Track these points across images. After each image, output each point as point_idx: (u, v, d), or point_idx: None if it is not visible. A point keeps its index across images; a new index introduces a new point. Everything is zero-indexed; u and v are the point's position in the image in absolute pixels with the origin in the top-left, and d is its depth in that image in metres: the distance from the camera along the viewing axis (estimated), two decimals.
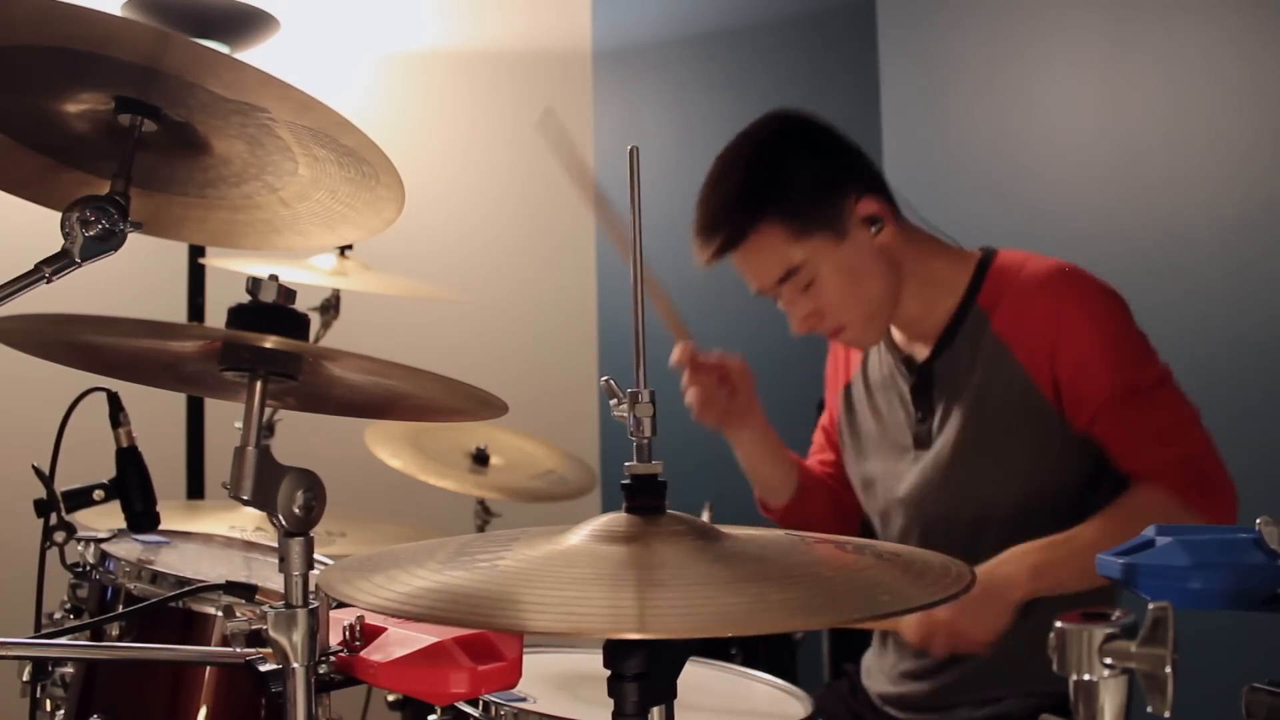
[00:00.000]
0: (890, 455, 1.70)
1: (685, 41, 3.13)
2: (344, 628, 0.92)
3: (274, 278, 0.91)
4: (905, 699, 1.66)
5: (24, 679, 1.35)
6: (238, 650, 0.96)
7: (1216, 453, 1.50)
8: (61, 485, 1.33)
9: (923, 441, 1.64)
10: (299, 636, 0.87)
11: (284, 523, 0.88)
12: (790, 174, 1.58)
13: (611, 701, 0.78)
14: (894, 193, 1.64)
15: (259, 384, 0.90)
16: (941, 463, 1.60)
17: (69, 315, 0.85)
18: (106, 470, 1.33)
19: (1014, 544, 1.49)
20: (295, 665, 0.87)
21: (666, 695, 0.80)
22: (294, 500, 0.88)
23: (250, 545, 1.66)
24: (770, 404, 1.79)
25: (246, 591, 1.25)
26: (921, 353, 1.65)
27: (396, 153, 0.98)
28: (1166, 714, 0.60)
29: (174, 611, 1.31)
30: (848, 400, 1.80)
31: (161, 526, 1.36)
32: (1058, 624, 0.64)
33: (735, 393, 1.72)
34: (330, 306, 2.11)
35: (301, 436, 1.58)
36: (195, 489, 2.55)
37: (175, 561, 1.44)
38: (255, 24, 2.37)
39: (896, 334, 1.71)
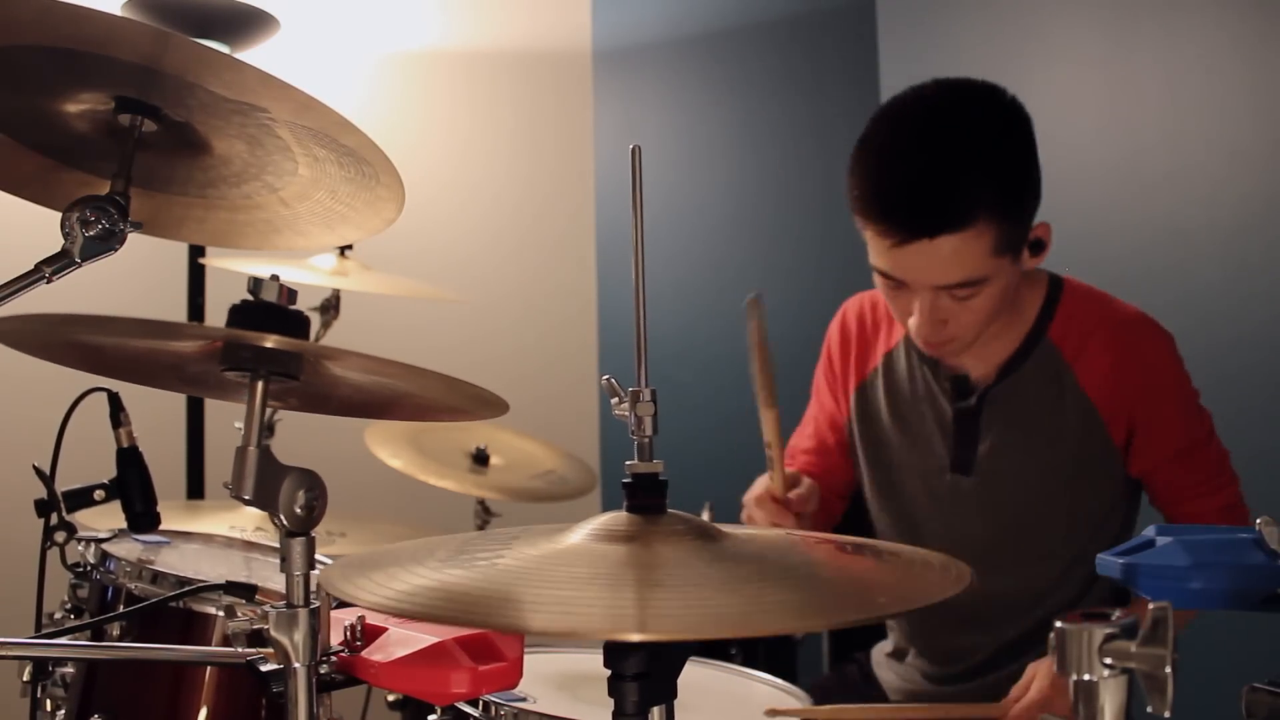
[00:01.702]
0: (922, 472, 1.64)
1: (685, 41, 3.13)
2: (345, 628, 0.92)
3: (275, 278, 0.91)
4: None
5: (24, 679, 1.34)
6: (239, 650, 0.97)
7: (1241, 494, 1.56)
8: (62, 485, 1.33)
9: (963, 466, 1.58)
10: (300, 636, 0.87)
11: (285, 522, 0.88)
12: (1012, 171, 1.42)
13: (611, 701, 0.78)
14: None
15: (260, 384, 0.90)
16: (993, 493, 1.57)
17: (69, 315, 0.85)
18: (106, 470, 1.33)
19: (1052, 576, 1.55)
20: (297, 665, 0.87)
21: (666, 695, 0.80)
22: (295, 500, 0.88)
23: (250, 545, 1.65)
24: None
25: (247, 591, 1.25)
26: (978, 373, 1.58)
27: (396, 153, 0.97)
28: (1166, 714, 0.60)
29: (174, 611, 1.30)
30: (863, 400, 1.72)
31: (162, 526, 1.36)
32: (1058, 624, 0.64)
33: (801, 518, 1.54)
34: (330, 306, 2.11)
35: (301, 436, 1.58)
36: (195, 489, 2.55)
37: (175, 561, 1.44)
38: (255, 24, 2.37)
39: None
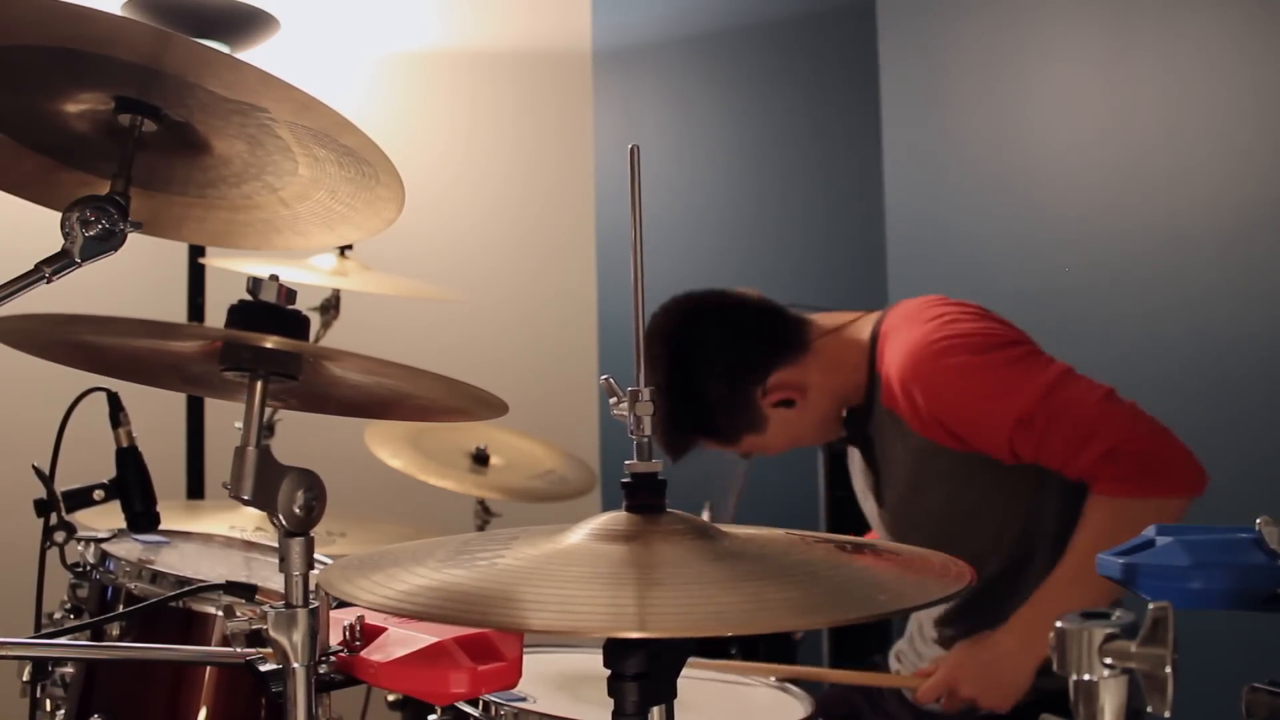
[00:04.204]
0: (866, 498, 1.79)
1: (685, 41, 3.13)
2: (344, 628, 0.92)
3: (274, 278, 0.91)
4: None
5: (24, 679, 1.35)
6: (238, 650, 0.96)
7: (1144, 425, 1.46)
8: (61, 485, 1.33)
9: (878, 497, 1.73)
10: (299, 636, 0.87)
11: (284, 523, 0.88)
12: (708, 392, 1.62)
13: (611, 701, 0.78)
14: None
15: (259, 384, 0.90)
16: (898, 520, 1.69)
17: (69, 315, 0.85)
18: (106, 470, 1.33)
19: (1000, 585, 1.57)
20: (296, 665, 0.87)
21: (666, 695, 0.80)
22: (294, 500, 0.88)
23: (250, 545, 1.65)
24: None
25: (246, 591, 1.25)
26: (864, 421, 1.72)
27: (396, 153, 0.98)
28: (1166, 714, 0.60)
29: (174, 611, 1.31)
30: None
31: (161, 526, 1.36)
32: (1058, 624, 0.64)
33: None
34: (330, 306, 2.11)
35: (301, 436, 1.58)
36: (195, 489, 2.55)
37: (175, 561, 1.44)
38: (255, 24, 2.37)
39: None
